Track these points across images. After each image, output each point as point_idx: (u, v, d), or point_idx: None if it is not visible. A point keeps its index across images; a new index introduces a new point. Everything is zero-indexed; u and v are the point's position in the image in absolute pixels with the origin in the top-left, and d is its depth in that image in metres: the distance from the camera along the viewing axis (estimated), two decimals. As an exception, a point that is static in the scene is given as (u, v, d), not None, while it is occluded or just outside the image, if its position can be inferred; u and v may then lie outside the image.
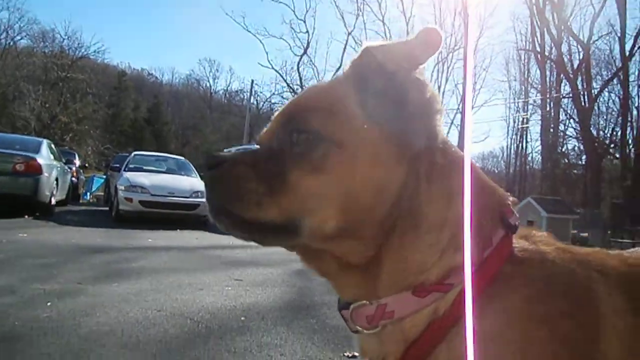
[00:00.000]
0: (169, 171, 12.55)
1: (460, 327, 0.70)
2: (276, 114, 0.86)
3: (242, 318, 3.54)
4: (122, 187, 10.43)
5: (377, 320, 0.75)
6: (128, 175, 11.03)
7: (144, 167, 12.21)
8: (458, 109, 42.29)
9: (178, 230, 9.69)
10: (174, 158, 14.25)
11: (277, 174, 0.74)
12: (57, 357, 2.52)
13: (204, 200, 9.07)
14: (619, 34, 28.33)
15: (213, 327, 3.27)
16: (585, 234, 18.98)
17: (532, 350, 0.68)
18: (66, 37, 44.06)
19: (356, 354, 2.61)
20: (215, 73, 65.89)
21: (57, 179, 10.99)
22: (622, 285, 0.77)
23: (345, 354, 2.88)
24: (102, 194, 19.19)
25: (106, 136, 45.32)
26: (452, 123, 46.41)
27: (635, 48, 28.06)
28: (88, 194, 19.93)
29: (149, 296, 4.00)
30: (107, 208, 13.78)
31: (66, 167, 13.07)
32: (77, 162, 19.35)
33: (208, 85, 63.07)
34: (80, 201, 17.80)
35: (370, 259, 0.76)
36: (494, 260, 0.74)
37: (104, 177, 19.95)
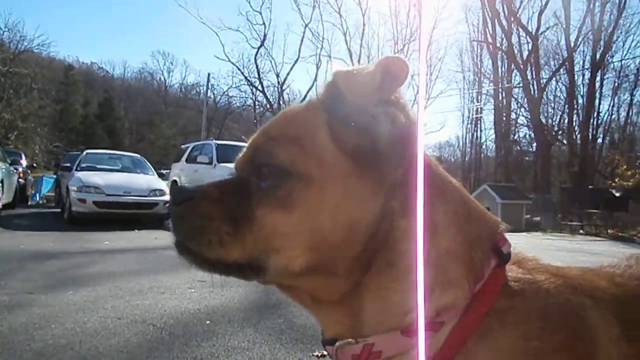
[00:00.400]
0: (124, 169, 12.13)
1: None
2: (251, 138, 0.82)
3: (208, 322, 3.45)
4: (75, 188, 9.98)
5: None
6: (80, 175, 10.56)
7: (97, 166, 11.74)
8: (415, 100, 42.89)
9: (136, 230, 9.38)
10: (129, 156, 13.76)
11: (242, 211, 0.71)
12: (9, 377, 2.36)
13: (162, 198, 8.91)
14: (564, 26, 29.62)
15: (177, 332, 3.16)
16: (538, 218, 19.88)
17: None
18: (6, 29, 41.52)
19: (325, 353, 2.59)
20: (170, 66, 64.19)
21: (2, 181, 10.41)
22: (615, 310, 0.76)
23: (315, 354, 2.86)
24: (53, 194, 18.33)
25: (55, 134, 43.22)
26: (409, 114, 47.09)
27: (580, 39, 29.44)
28: (37, 195, 18.95)
29: (108, 303, 3.83)
30: (58, 210, 13.18)
31: (12, 168, 12.40)
32: (24, 162, 18.40)
33: (162, 79, 61.34)
34: (29, 203, 16.92)
35: (347, 295, 0.72)
36: (486, 294, 0.71)
37: (54, 177, 19.04)
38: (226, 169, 11.41)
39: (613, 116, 34.34)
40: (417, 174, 0.70)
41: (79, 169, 11.26)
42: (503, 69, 36.85)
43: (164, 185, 11.40)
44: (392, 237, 0.70)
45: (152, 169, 12.85)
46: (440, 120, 64.38)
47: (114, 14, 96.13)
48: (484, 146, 45.30)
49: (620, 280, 0.87)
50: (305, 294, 0.75)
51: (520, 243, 10.70)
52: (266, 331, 3.27)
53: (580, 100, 30.95)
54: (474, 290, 0.70)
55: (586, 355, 0.70)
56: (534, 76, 30.45)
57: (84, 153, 12.71)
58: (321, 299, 0.74)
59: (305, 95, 47.76)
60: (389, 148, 0.71)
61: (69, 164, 12.74)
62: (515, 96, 36.10)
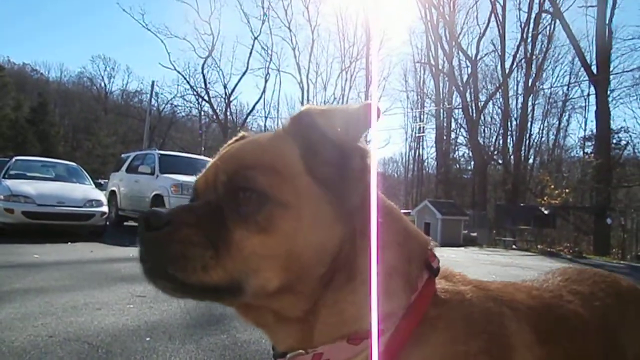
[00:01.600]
0: (58, 178, 11.47)
1: None
2: (212, 163, 0.85)
3: (147, 339, 3.33)
4: (1, 197, 9.31)
5: None
6: (8, 183, 9.88)
7: (28, 174, 11.03)
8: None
9: (70, 243, 8.88)
10: (63, 164, 13.03)
11: (220, 235, 0.73)
12: None
13: (99, 209, 8.50)
14: (500, 53, 31.59)
15: (115, 351, 3.03)
16: (474, 234, 20.79)
17: None
18: None
19: (270, 367, 2.57)
20: (111, 72, 61.77)
21: None
22: (530, 319, 0.87)
23: (259, 369, 2.84)
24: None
25: (-20, 138, 40.16)
26: (355, 130, 48.04)
27: (514, 66, 31.48)
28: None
29: (38, 320, 3.60)
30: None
31: None
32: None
33: (103, 84, 58.90)
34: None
35: (307, 311, 0.77)
36: (419, 304, 0.79)
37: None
38: (168, 180, 11.12)
39: (543, 139, 36.95)
40: (371, 200, 0.80)
41: (6, 176, 10.51)
42: (444, 90, 38.66)
43: (101, 196, 10.90)
44: (352, 256, 0.77)
45: (89, 179, 12.25)
46: (385, 137, 66.17)
47: (50, 12, 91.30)
48: (425, 163, 47.04)
49: (536, 292, 0.99)
50: (270, 313, 0.79)
51: (458, 257, 11.16)
52: (209, 347, 3.21)
53: (514, 123, 33.02)
54: (410, 300, 0.79)
55: (503, 358, 0.79)
56: (473, 99, 32.15)
57: (13, 160, 11.90)
58: (286, 317, 0.78)
59: (253, 107, 47.57)
60: (355, 180, 0.79)
61: (-5, 172, 11.90)
62: (456, 117, 37.96)
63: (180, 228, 0.72)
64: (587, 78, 26.36)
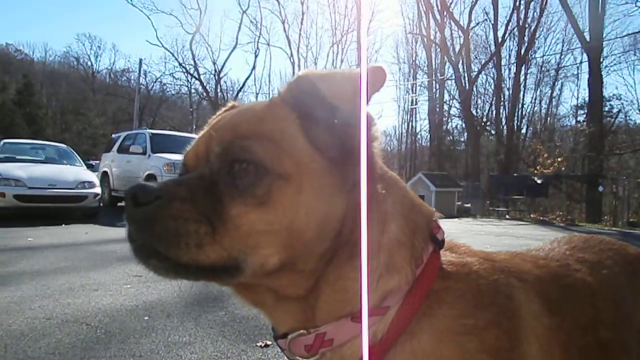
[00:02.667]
0: (48, 160, 11.34)
1: (398, 349, 0.71)
2: (202, 134, 0.79)
3: (146, 318, 3.33)
4: (-8, 181, 9.19)
5: (316, 349, 0.74)
6: (-1, 167, 9.75)
7: (17, 157, 10.87)
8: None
9: (64, 225, 8.83)
10: (54, 146, 12.88)
11: (215, 210, 0.67)
12: None
13: (92, 191, 8.42)
14: (492, 22, 31.19)
15: (113, 330, 3.03)
16: (468, 205, 20.94)
17: None
18: None
19: (269, 342, 2.60)
20: (97, 50, 60.58)
21: None
22: (537, 289, 0.85)
23: (258, 344, 2.86)
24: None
25: (-34, 122, 39.48)
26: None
27: (506, 35, 31.13)
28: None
29: (35, 303, 3.59)
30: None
31: None
32: None
33: (89, 64, 57.75)
34: (-62, 198, 15.39)
35: (309, 289, 0.74)
36: (425, 278, 0.76)
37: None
38: (161, 160, 11.02)
39: (535, 108, 36.86)
40: (373, 172, 0.76)
41: (-4, 160, 10.38)
42: (437, 61, 38.28)
43: (93, 177, 10.80)
44: (355, 231, 0.72)
45: (80, 160, 12.12)
46: (377, 110, 65.87)
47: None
48: (419, 136, 46.96)
49: (543, 262, 0.96)
50: (270, 292, 0.75)
51: (452, 228, 11.27)
52: (208, 324, 3.22)
53: (506, 93, 32.88)
54: (416, 274, 0.75)
55: (512, 330, 0.76)
56: (465, 69, 31.88)
57: (2, 143, 11.72)
58: (288, 296, 0.74)
59: (244, 83, 47.03)
60: (357, 148, 0.73)
61: (-17, 156, 11.73)
62: (448, 88, 37.72)
63: (171, 202, 0.67)
64: (579, 45, 26.17)
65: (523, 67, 32.08)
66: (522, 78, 32.71)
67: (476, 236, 10.18)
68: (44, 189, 9.40)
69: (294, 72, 44.93)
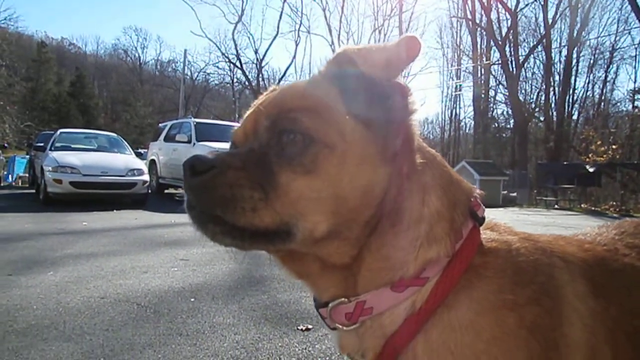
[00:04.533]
0: (100, 149, 11.88)
1: (436, 319, 0.72)
2: (250, 113, 0.82)
3: (192, 299, 3.46)
4: (50, 168, 9.75)
5: (356, 317, 0.76)
6: (55, 155, 10.31)
7: (72, 146, 11.46)
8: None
9: (115, 211, 9.26)
10: (105, 135, 13.46)
11: (267, 178, 0.71)
12: (-8, 357, 2.35)
13: (140, 178, 8.79)
14: (542, 2, 29.72)
15: (162, 310, 3.17)
16: (514, 194, 20.29)
17: (502, 337, 0.71)
18: (-30, 3, 39.70)
19: (309, 326, 2.64)
20: (144, 42, 62.52)
21: (-28, 162, 10.08)
22: (583, 271, 0.83)
23: (299, 328, 2.91)
24: (27, 175, 17.88)
25: (26, 113, 41.83)
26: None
27: (557, 16, 29.64)
28: (10, 176, 18.45)
29: (90, 283, 3.80)
30: (33, 191, 12.88)
31: (-18, 149, 11.99)
32: (-5, 142, 17.86)
33: (137, 55, 59.71)
34: (2, 185, 16.51)
35: (353, 257, 0.75)
36: (465, 252, 0.76)
37: (27, 157, 18.53)
38: (205, 148, 11.27)
39: (588, 93, 34.98)
40: (412, 143, 0.78)
41: (53, 148, 10.98)
42: (482, 46, 37.00)
43: (142, 165, 11.23)
44: (399, 200, 0.75)
45: (130, 149, 12.62)
46: (420, 97, 64.73)
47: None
48: (462, 123, 45.78)
49: (588, 246, 0.94)
50: (316, 260, 0.77)
51: (497, 218, 10.97)
52: (251, 307, 3.31)
53: (557, 78, 31.41)
54: (455, 248, 0.76)
55: (553, 309, 0.75)
56: (513, 53, 30.65)
57: (58, 132, 12.37)
58: (333, 264, 0.77)
59: (285, 72, 47.18)
60: (397, 120, 0.76)
61: (42, 144, 12.43)
62: (494, 73, 36.40)
63: (226, 171, 0.71)
64: (638, 25, 24.55)
65: (575, 50, 30.48)
66: (573, 61, 31.10)
67: (522, 226, 9.84)
68: (96, 176, 9.88)
69: (334, 60, 44.70)
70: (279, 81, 46.74)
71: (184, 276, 4.16)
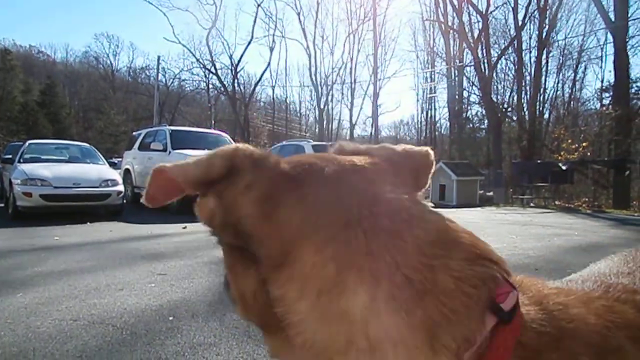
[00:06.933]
0: (72, 160, 11.55)
1: None
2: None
3: (171, 318, 3.33)
4: (19, 181, 9.40)
5: None
6: (24, 167, 9.96)
7: (42, 157, 11.10)
8: (370, 79, 43.29)
9: (88, 223, 8.98)
10: (77, 145, 13.10)
11: None
12: (-46, 394, 2.19)
13: (115, 189, 8.60)
14: (512, 5, 30.40)
15: (139, 332, 3.03)
16: (491, 193, 20.60)
17: None
18: None
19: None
20: (116, 49, 61.26)
21: None
22: None
23: (284, 344, 2.82)
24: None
25: (-7, 123, 40.52)
26: (365, 94, 47.60)
27: (527, 18, 30.35)
28: (-23, 189, 17.79)
29: (62, 304, 3.63)
30: (1, 205, 12.42)
31: (-54, 162, 11.51)
32: (-40, 155, 17.21)
33: (109, 62, 58.55)
34: (-31, 199, 15.88)
35: None
36: None
37: (-4, 169, 17.93)
38: (181, 156, 11.09)
39: (558, 92, 35.85)
40: None
41: (22, 160, 10.62)
42: (455, 48, 37.58)
43: (116, 175, 10.96)
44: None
45: (103, 159, 12.31)
46: (395, 100, 65.22)
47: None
48: (438, 124, 46.35)
49: None
50: None
51: (475, 218, 11.02)
52: (233, 324, 3.20)
53: (528, 78, 32.10)
54: None
55: None
56: (485, 55, 31.20)
57: (27, 144, 11.97)
58: None
59: (261, 77, 46.99)
60: None
61: (10, 156, 12.01)
62: (468, 75, 36.99)
63: None
64: (604, 26, 25.30)
65: (544, 51, 31.22)
66: (543, 62, 31.86)
67: (501, 225, 9.99)
68: (68, 188, 9.58)
69: (310, 64, 44.75)
70: (255, 86, 46.57)
71: (161, 292, 4.02)
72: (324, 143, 15.13)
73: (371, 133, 44.55)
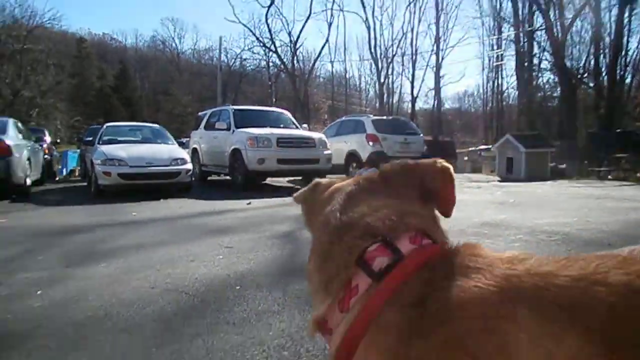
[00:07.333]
0: (145, 140, 12.30)
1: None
2: None
3: (237, 287, 3.53)
4: (99, 161, 10.19)
5: None
6: (103, 148, 10.76)
7: (119, 139, 11.91)
8: (432, 49, 41.73)
9: (161, 200, 9.58)
10: (148, 126, 13.89)
11: None
12: (54, 348, 2.48)
13: (184, 167, 9.13)
14: (589, -40, 27.83)
15: (209, 299, 3.25)
16: (563, 166, 19.44)
17: None
18: (17, 5, 41.50)
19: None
20: (180, 32, 63.50)
21: (29, 159, 10.67)
22: None
23: (344, 314, 2.91)
24: (79, 168, 18.81)
25: (73, 108, 43.69)
26: (427, 65, 46.00)
27: (606, -27, 27.69)
28: (64, 170, 19.46)
29: (140, 273, 3.95)
30: (85, 183, 13.50)
31: (37, 145, 12.67)
32: (48, 138, 18.88)
33: (175, 45, 60.81)
34: (57, 178, 17.41)
35: None
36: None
37: (78, 151, 19.46)
38: (244, 134, 11.44)
39: (642, 54, 32.62)
40: None
41: (101, 142, 11.46)
42: (524, 11, 35.21)
43: (184, 154, 11.54)
44: None
45: (172, 139, 12.97)
46: (459, 69, 62.62)
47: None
48: (505, 94, 44.08)
49: None
50: None
51: (545, 192, 10.45)
52: (295, 294, 3.33)
53: (607, 40, 29.51)
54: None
55: None
56: (558, 17, 28.98)
57: (105, 126, 12.87)
58: None
59: (320, 52, 46.81)
60: None
61: (91, 138, 13.00)
62: (538, 39, 34.62)
63: None
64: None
65: (627, 8, 28.43)
66: (625, 20, 29.07)
67: (573, 200, 9.45)
68: (143, 167, 10.25)
69: (369, 37, 43.86)
70: (314, 62, 46.48)
71: (229, 264, 4.25)
72: (384, 117, 14.91)
73: (433, 105, 43.22)
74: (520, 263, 0.57)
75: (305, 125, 14.73)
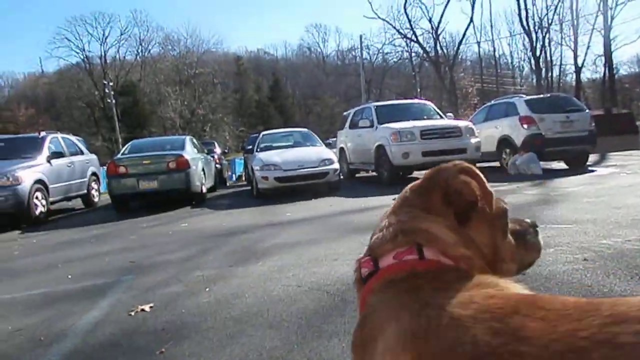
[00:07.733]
0: (295, 144, 13.17)
1: None
2: None
3: (377, 286, 3.58)
4: (258, 167, 11.26)
5: None
6: (261, 155, 11.84)
7: (273, 145, 12.98)
8: (599, 9, 36.31)
9: (313, 199, 10.16)
10: (298, 131, 14.85)
11: None
12: (215, 340, 2.85)
13: (331, 167, 9.56)
14: None
15: (348, 298, 3.36)
16: None
17: None
18: (188, 36, 48.17)
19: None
20: (324, 36, 66.24)
21: (203, 169, 12.31)
22: None
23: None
24: (244, 174, 21.13)
25: (238, 120, 48.98)
26: (593, 29, 40.21)
27: None
28: (233, 175, 22.10)
29: (290, 272, 4.27)
30: (249, 187, 15.05)
31: (209, 157, 14.54)
32: (218, 149, 21.55)
33: (319, 50, 63.74)
34: (228, 184, 19.76)
35: None
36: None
37: (243, 158, 21.88)
38: (387, 130, 11.46)
39: None
40: None
41: (258, 149, 12.64)
42: None
43: (332, 155, 12.04)
44: None
45: (320, 141, 13.66)
46: (636, 27, 53.22)
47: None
48: None
49: None
50: None
51: None
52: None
53: None
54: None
55: None
56: None
57: (261, 135, 14.17)
58: None
59: (464, 35, 44.32)
60: None
61: (250, 146, 14.42)
62: None
63: None
64: None
65: None
66: None
67: None
68: (295, 170, 11.02)
69: (519, 8, 40.01)
70: (459, 45, 44.17)
71: (371, 263, 4.32)
72: (539, 96, 13.45)
73: (604, 74, 37.53)
74: (495, 306, 0.61)
75: (450, 114, 14.12)
